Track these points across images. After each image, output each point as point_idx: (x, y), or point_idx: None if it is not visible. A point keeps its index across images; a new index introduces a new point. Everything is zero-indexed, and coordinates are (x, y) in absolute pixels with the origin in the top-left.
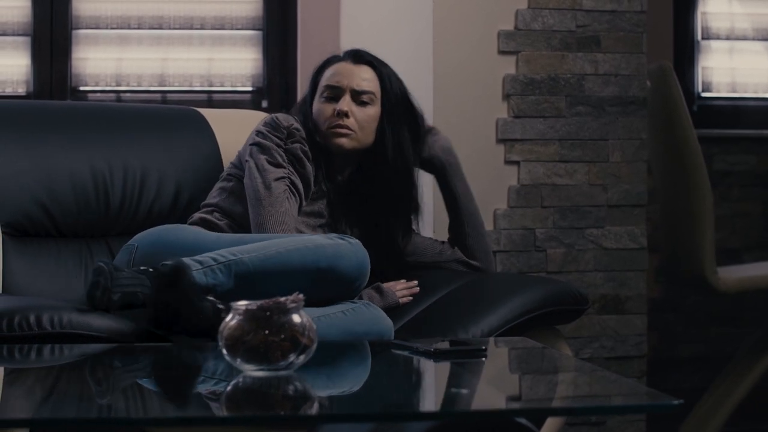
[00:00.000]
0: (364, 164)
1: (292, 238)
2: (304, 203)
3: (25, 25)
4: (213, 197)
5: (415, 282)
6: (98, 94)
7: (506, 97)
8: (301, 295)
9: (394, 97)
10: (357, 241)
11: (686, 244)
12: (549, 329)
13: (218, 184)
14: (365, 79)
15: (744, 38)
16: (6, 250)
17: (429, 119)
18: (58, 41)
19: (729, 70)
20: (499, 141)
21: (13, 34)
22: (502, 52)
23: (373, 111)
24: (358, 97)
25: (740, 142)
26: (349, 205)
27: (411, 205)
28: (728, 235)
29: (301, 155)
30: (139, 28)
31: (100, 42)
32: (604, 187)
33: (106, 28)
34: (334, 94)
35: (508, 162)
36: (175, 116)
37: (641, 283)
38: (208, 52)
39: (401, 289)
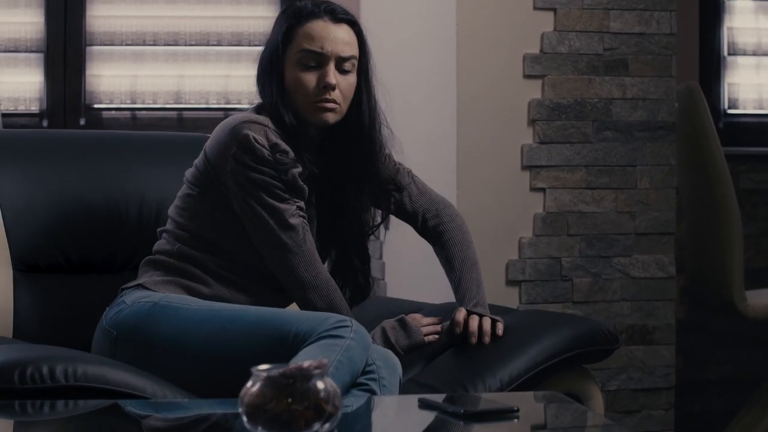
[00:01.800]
0: (332, 138)
1: (305, 352)
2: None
3: (38, 42)
4: (175, 215)
5: (440, 319)
6: (113, 112)
7: (532, 122)
8: (325, 360)
9: (370, 57)
10: (357, 326)
11: (714, 267)
12: (578, 369)
13: (181, 194)
14: (348, 42)
15: None
16: (18, 287)
17: (452, 145)
18: (72, 58)
19: (756, 86)
20: (525, 168)
21: (26, 51)
22: (527, 76)
23: (354, 78)
24: (341, 64)
25: (767, 159)
26: (324, 198)
27: (379, 176)
28: (754, 255)
29: (301, 183)
30: (154, 45)
31: (115, 59)
32: (631, 215)
33: (121, 45)
34: (316, 61)
35: (533, 189)
36: (191, 144)
37: (669, 313)
38: (225, 68)
39: (426, 325)
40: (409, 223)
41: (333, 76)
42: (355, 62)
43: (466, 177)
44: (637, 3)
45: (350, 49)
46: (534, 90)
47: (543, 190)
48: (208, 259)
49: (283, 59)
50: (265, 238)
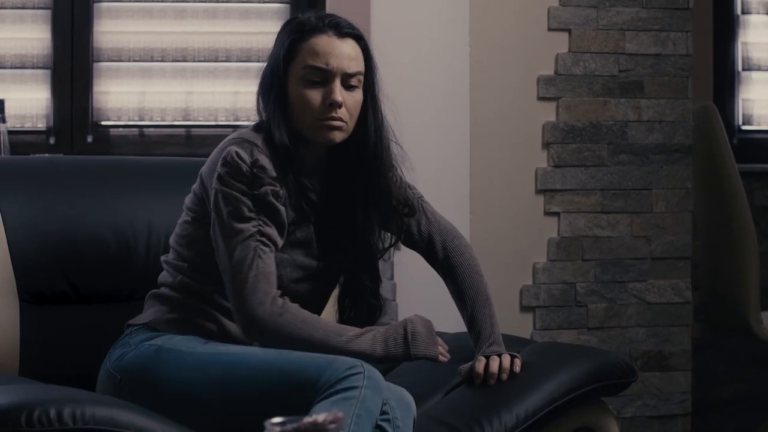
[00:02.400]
0: (336, 158)
1: (319, 408)
2: (281, 243)
3: (45, 58)
4: (175, 243)
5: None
6: (120, 129)
7: (546, 145)
8: (341, 414)
9: (376, 72)
10: (368, 370)
11: (729, 288)
12: (595, 402)
13: (180, 222)
14: (353, 58)
15: None
16: (24, 319)
17: (465, 169)
18: (79, 74)
19: None
20: (539, 191)
21: (33, 67)
22: (541, 98)
23: (360, 94)
24: (347, 80)
25: None
26: (331, 220)
27: (389, 197)
28: None
29: (273, 200)
30: (162, 61)
31: (123, 75)
32: (647, 239)
33: (129, 61)
34: (321, 77)
35: (547, 213)
36: (197, 170)
37: (686, 339)
38: (234, 85)
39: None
40: (419, 252)
41: (339, 93)
42: (362, 78)
43: (479, 201)
44: (653, 24)
45: (356, 64)
46: (548, 112)
47: (557, 214)
48: (210, 290)
49: (285, 75)
50: (218, 255)
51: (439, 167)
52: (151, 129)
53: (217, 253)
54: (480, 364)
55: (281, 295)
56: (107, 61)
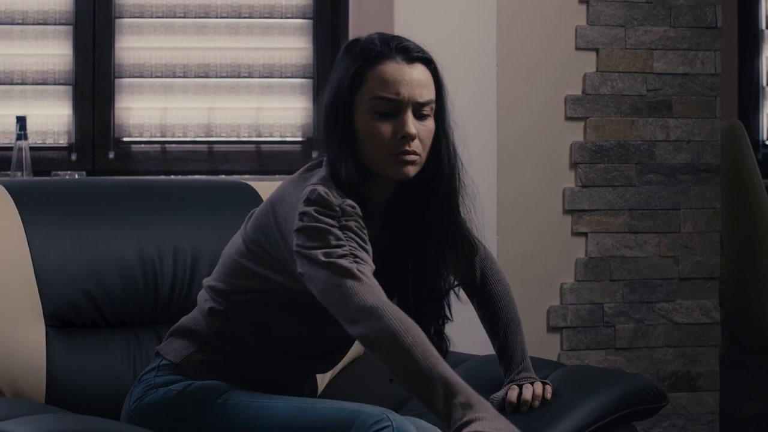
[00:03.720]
0: (404, 191)
1: None
2: (373, 268)
3: (66, 74)
4: (224, 268)
5: None
6: (142, 146)
7: (573, 165)
8: None
9: (447, 98)
10: (396, 421)
11: (754, 306)
12: (626, 427)
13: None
14: (425, 85)
15: None
16: (51, 344)
17: (493, 189)
18: (101, 90)
19: None
20: (566, 212)
21: (55, 83)
22: (569, 118)
23: (432, 123)
24: (418, 110)
25: None
26: (393, 261)
27: (459, 236)
28: None
29: (363, 234)
30: (184, 77)
31: (144, 91)
32: (675, 259)
33: (151, 77)
34: (391, 108)
35: (575, 233)
36: (225, 191)
37: (713, 359)
38: (257, 101)
39: None
40: (471, 297)
41: (412, 124)
42: (433, 106)
43: (506, 221)
44: (680, 43)
45: (428, 92)
46: (576, 132)
47: (585, 234)
48: (242, 331)
49: (351, 106)
50: (320, 296)
51: (468, 183)
52: (173, 145)
53: (312, 285)
54: (513, 393)
55: None
56: (129, 77)
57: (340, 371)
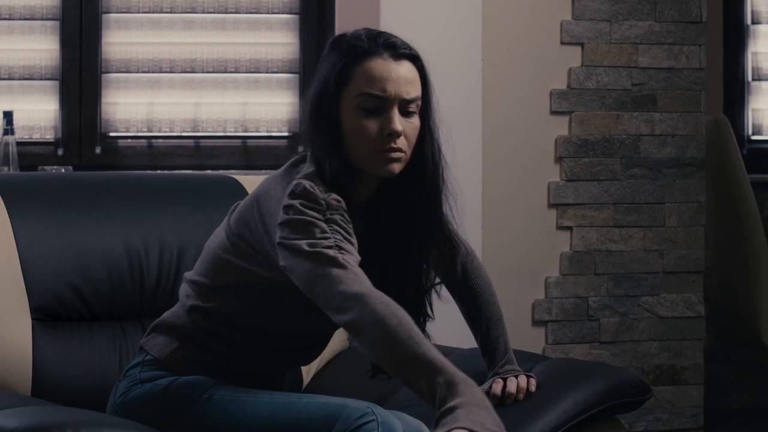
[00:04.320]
0: (386, 191)
1: None
2: (359, 260)
3: (53, 69)
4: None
5: None
6: (129, 140)
7: (558, 159)
8: None
9: (433, 95)
10: (381, 415)
11: (740, 301)
12: (610, 420)
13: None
14: (411, 82)
15: None
16: (36, 338)
17: (478, 183)
18: (88, 85)
19: None
20: (551, 206)
21: (41, 79)
22: (554, 113)
23: (417, 120)
24: (405, 107)
25: None
26: (376, 259)
27: (443, 233)
28: None
29: (345, 224)
30: (171, 72)
31: (131, 86)
32: (660, 253)
33: (137, 72)
34: (377, 105)
35: (560, 227)
36: (211, 186)
37: (698, 353)
38: (243, 96)
39: None
40: (453, 294)
41: (398, 121)
42: (419, 103)
43: (491, 215)
44: (665, 37)
45: (414, 89)
46: (561, 126)
47: (570, 228)
48: (229, 331)
49: (337, 102)
50: (302, 286)
51: (451, 181)
52: (160, 140)
53: (295, 276)
54: (498, 386)
55: None
56: (116, 72)
57: (324, 365)
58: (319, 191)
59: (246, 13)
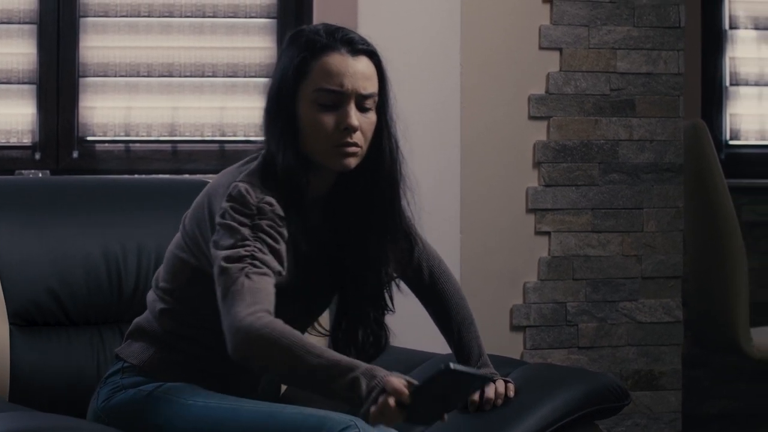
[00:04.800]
0: (343, 186)
1: None
2: (278, 270)
3: (30, 73)
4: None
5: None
6: (106, 145)
7: (537, 164)
8: None
9: (390, 91)
10: (362, 428)
11: (718, 306)
12: (588, 425)
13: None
14: (368, 77)
15: None
16: (14, 343)
17: (456, 188)
18: (65, 89)
19: (758, 116)
20: (529, 211)
21: (18, 82)
22: (532, 118)
23: (374, 116)
24: (361, 102)
25: None
26: (336, 253)
27: (401, 226)
28: (757, 289)
29: (271, 231)
30: (148, 76)
31: (109, 90)
32: (638, 258)
33: (115, 76)
34: (334, 100)
35: (538, 233)
36: (189, 190)
37: (676, 358)
38: (221, 100)
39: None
40: (403, 277)
41: (355, 116)
42: (376, 99)
43: (469, 220)
44: (644, 42)
45: (371, 84)
46: (539, 131)
47: (548, 233)
48: (193, 329)
49: (294, 97)
50: (219, 292)
51: (429, 187)
52: (137, 144)
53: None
54: (475, 392)
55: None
56: (93, 76)
57: None
58: (253, 195)
59: (224, 17)
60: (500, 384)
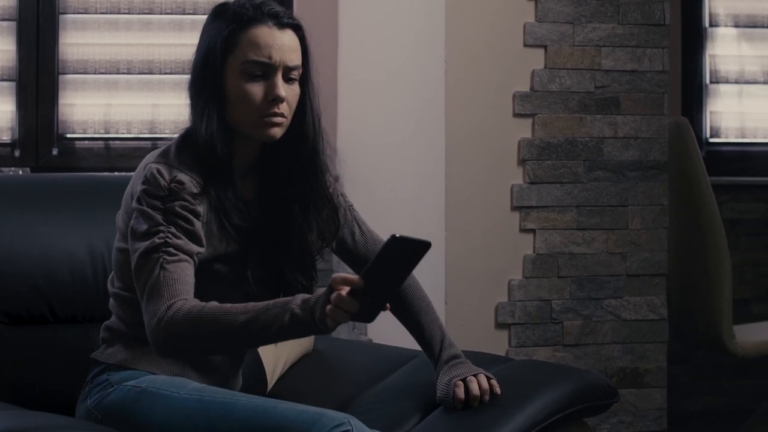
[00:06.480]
0: (271, 153)
1: None
2: (197, 251)
3: (9, 70)
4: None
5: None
6: (86, 142)
7: (521, 162)
8: None
9: (312, 63)
10: (356, 426)
11: (701, 304)
12: (576, 422)
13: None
14: (294, 50)
15: (754, 81)
16: (1, 341)
17: (440, 186)
18: (45, 87)
19: (738, 114)
20: (514, 208)
21: None
22: (517, 115)
23: (298, 87)
24: (288, 74)
25: (750, 189)
26: (268, 221)
27: (325, 197)
28: (738, 286)
29: (184, 212)
30: (128, 73)
31: (88, 87)
32: (623, 256)
33: (94, 73)
34: (262, 71)
35: (523, 230)
36: None
37: (661, 356)
38: None
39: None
40: (349, 262)
41: (282, 87)
42: (300, 71)
43: (454, 218)
44: (629, 40)
45: (297, 57)
46: (524, 129)
47: (533, 231)
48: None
49: (222, 69)
50: (134, 273)
51: (414, 184)
52: (117, 142)
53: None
54: (459, 390)
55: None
56: (73, 73)
57: (289, 369)
58: (166, 175)
59: (204, 14)
60: (482, 379)
